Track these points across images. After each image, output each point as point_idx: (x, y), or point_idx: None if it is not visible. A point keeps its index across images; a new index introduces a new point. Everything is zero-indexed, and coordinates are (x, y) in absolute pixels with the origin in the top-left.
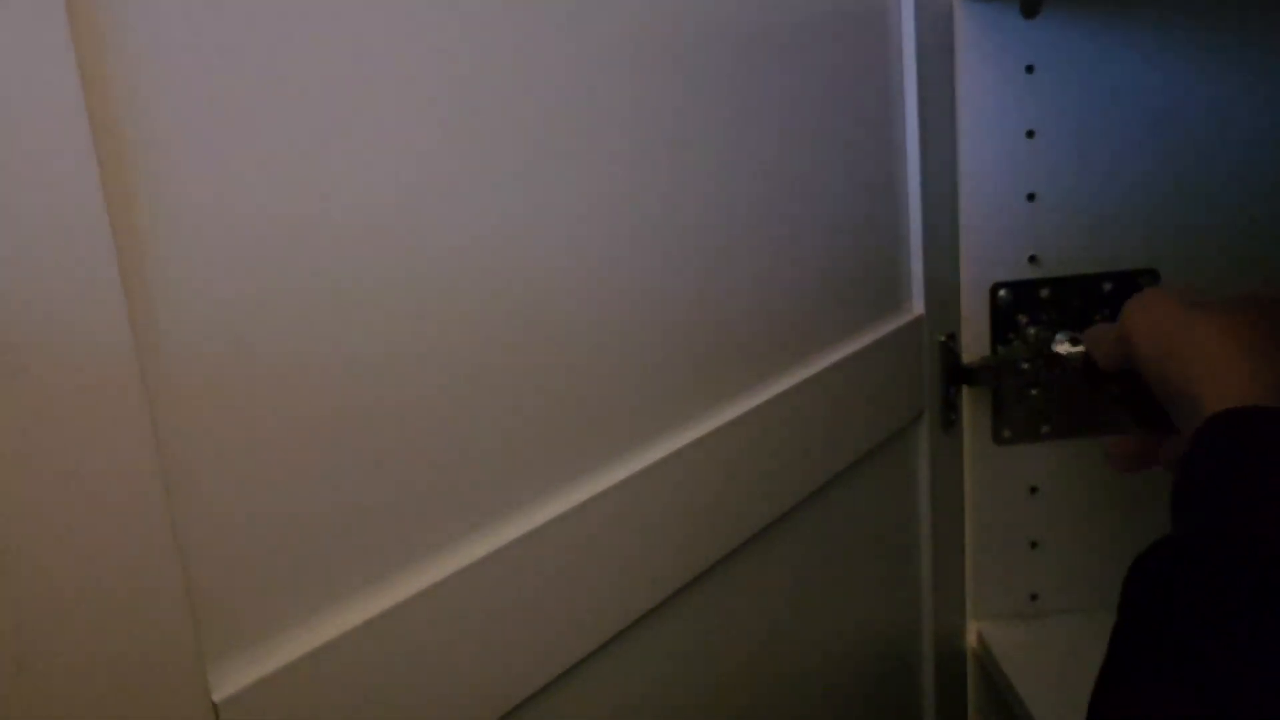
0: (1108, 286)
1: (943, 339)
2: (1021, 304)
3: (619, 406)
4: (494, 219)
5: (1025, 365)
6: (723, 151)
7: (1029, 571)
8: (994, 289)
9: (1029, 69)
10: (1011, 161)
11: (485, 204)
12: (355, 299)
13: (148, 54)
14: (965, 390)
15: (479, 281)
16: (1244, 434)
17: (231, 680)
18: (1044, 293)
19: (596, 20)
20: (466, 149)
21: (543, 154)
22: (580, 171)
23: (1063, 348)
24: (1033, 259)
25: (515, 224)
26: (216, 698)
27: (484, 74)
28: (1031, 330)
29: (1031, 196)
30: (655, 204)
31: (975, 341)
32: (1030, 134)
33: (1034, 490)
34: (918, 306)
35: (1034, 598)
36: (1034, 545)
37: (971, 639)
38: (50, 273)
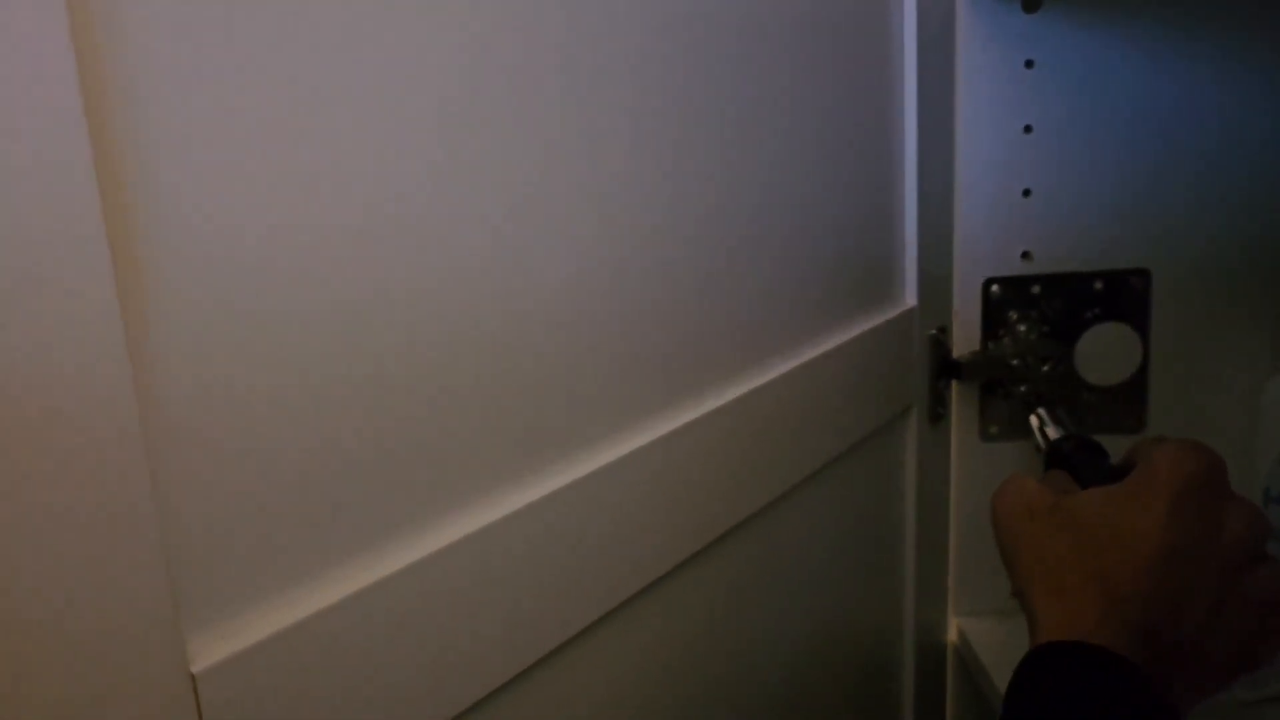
0: (1099, 285)
1: (933, 333)
2: (1013, 300)
3: (601, 393)
4: (483, 212)
5: (1014, 362)
6: (719, 143)
7: None
8: (986, 284)
9: (1029, 64)
10: (1008, 156)
11: (476, 196)
12: (334, 290)
13: (149, 65)
14: (954, 385)
15: (466, 265)
16: (1066, 675)
17: (210, 652)
18: (1035, 289)
19: (596, 19)
20: (462, 143)
21: (540, 150)
22: (577, 164)
23: (1035, 424)
24: (1025, 255)
25: (504, 219)
26: (195, 669)
27: (481, 69)
28: (1022, 327)
29: (1027, 192)
30: (648, 195)
31: (966, 336)
32: (1028, 129)
33: None
34: (910, 299)
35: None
36: None
37: (953, 634)
38: (35, 225)
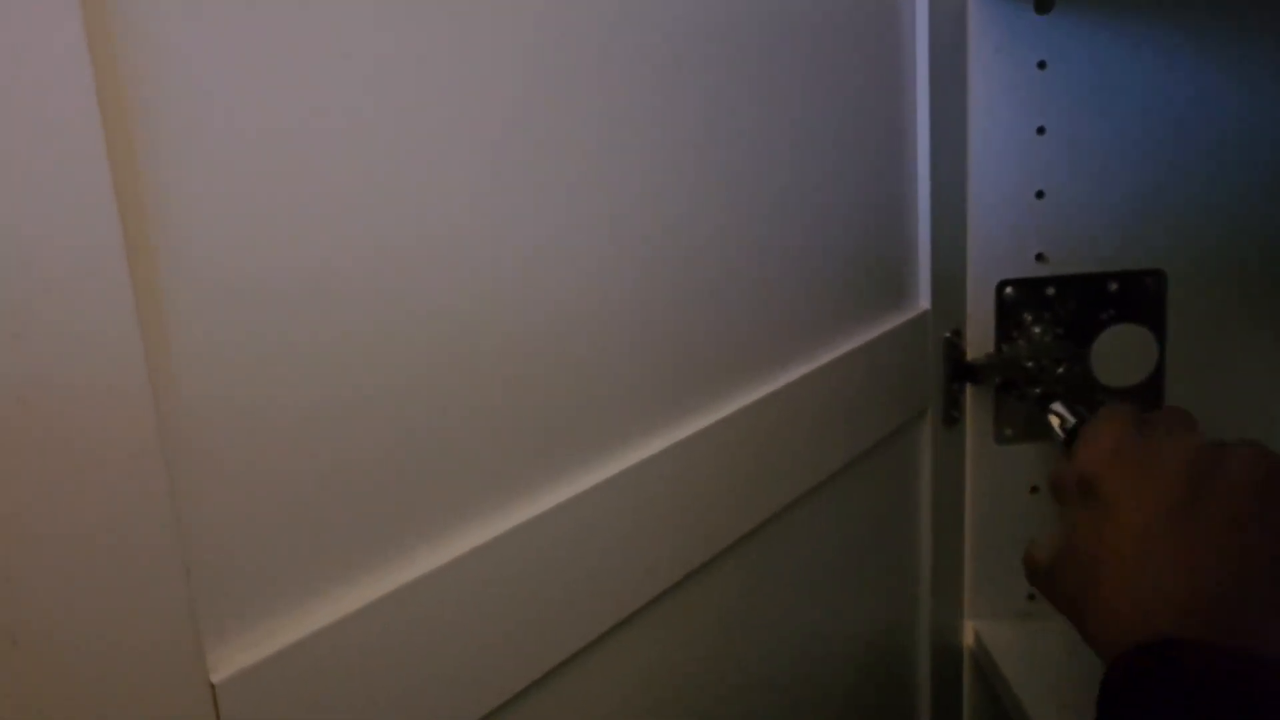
0: (1114, 286)
1: (947, 335)
2: (1027, 302)
3: (619, 399)
4: (499, 216)
5: (1029, 364)
6: (736, 147)
7: None
8: (1000, 286)
9: (1041, 64)
10: (1021, 158)
11: (488, 207)
12: (357, 295)
13: (171, 80)
14: (969, 387)
15: (483, 268)
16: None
17: (230, 662)
18: (1050, 291)
19: (621, 28)
20: (475, 153)
21: (554, 158)
22: (597, 170)
23: (1054, 419)
24: (1040, 257)
25: (522, 222)
26: (215, 679)
27: (492, 76)
28: (1037, 329)
29: (1040, 194)
30: (667, 199)
31: (980, 339)
32: (1041, 130)
33: (1035, 490)
34: (923, 302)
35: (1032, 598)
36: None
37: (968, 638)
38: (58, 262)
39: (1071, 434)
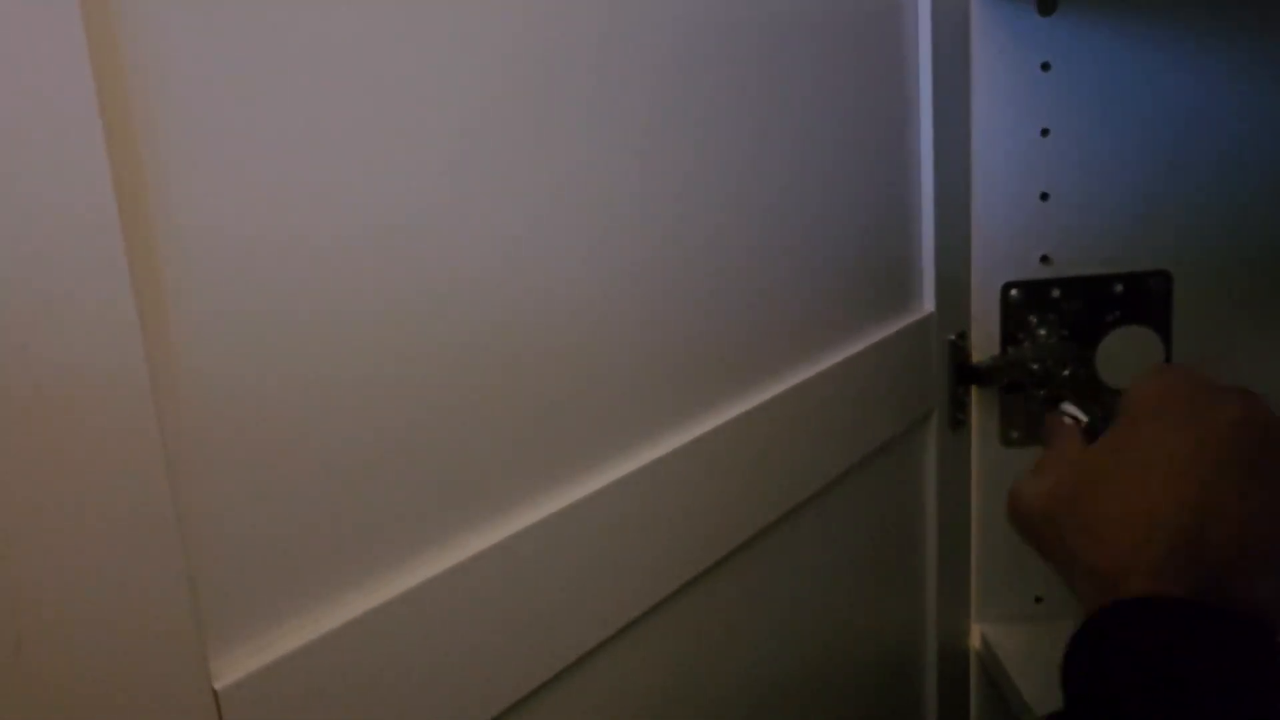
0: (1119, 288)
1: (952, 338)
2: (1032, 304)
3: (623, 402)
4: (501, 221)
5: (1035, 366)
6: (741, 151)
7: (1034, 573)
8: (1005, 288)
9: (1045, 66)
10: (1025, 160)
11: (492, 204)
12: (357, 301)
13: (168, 69)
14: (974, 390)
15: (485, 274)
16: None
17: (233, 668)
18: (1055, 293)
19: (619, 28)
20: (485, 151)
21: (561, 156)
22: (598, 173)
23: (1066, 419)
24: (1044, 259)
25: (524, 228)
26: (218, 685)
27: (503, 76)
28: (1042, 331)
29: (1045, 196)
30: (670, 203)
31: (985, 341)
32: (1045, 132)
33: None
34: (928, 305)
35: (1039, 600)
36: None
37: (975, 640)
38: (60, 269)
39: (1090, 430)
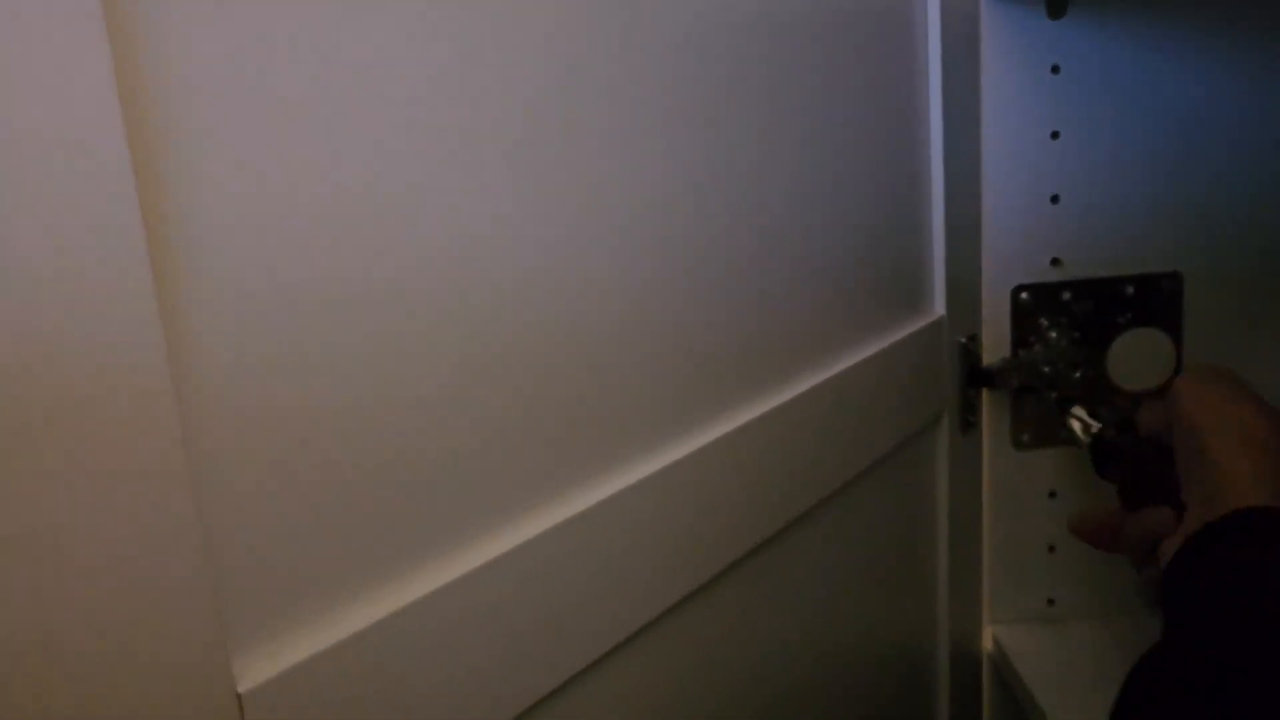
0: (1130, 290)
1: (963, 341)
2: (1043, 307)
3: (638, 407)
4: (517, 230)
5: (1045, 369)
6: (751, 155)
7: (1046, 576)
8: (1015, 291)
9: (1054, 69)
10: (1035, 163)
11: (510, 214)
12: (381, 302)
13: (188, 66)
14: (985, 393)
15: (501, 282)
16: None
17: (255, 672)
18: (1066, 295)
19: (629, 21)
20: (489, 164)
21: (574, 165)
22: (608, 180)
23: (1076, 424)
24: (1055, 261)
25: (542, 235)
26: (241, 689)
27: (521, 84)
28: (1053, 333)
29: (1055, 198)
30: (683, 210)
31: (996, 344)
32: (1055, 135)
33: (1052, 494)
34: (939, 308)
35: (1051, 603)
36: (1052, 550)
37: (987, 643)
38: (85, 276)
39: (1096, 439)
